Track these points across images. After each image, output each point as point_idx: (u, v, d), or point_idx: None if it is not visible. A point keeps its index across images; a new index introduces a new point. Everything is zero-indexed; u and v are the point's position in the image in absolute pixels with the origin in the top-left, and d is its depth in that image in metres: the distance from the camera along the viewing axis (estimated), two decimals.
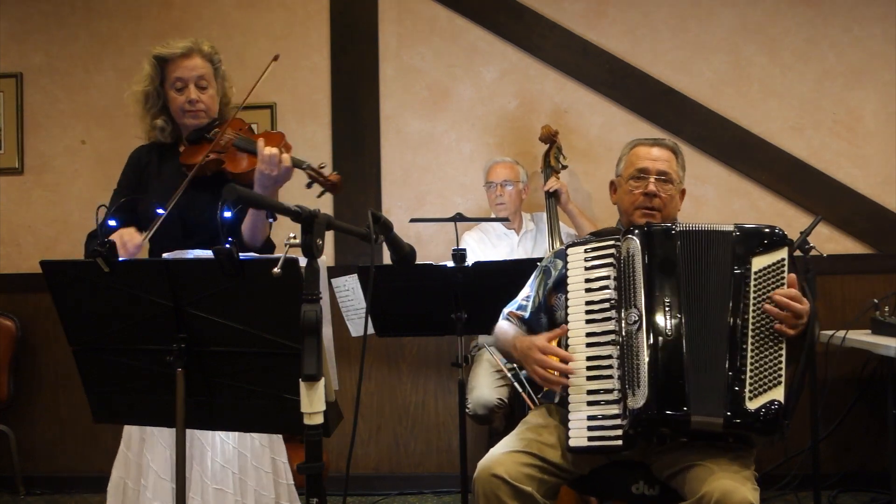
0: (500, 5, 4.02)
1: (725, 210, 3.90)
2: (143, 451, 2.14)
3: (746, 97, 3.94)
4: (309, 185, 2.29)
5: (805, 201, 3.89)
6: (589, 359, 1.98)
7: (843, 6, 3.90)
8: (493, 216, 3.65)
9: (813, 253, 3.09)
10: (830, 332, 3.33)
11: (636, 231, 1.99)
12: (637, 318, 1.92)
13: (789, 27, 3.93)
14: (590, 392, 1.96)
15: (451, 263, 2.70)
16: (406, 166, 4.06)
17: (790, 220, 3.86)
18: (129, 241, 2.19)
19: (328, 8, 4.09)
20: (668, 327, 1.90)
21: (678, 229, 1.98)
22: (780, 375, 1.83)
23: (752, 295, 1.89)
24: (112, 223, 2.16)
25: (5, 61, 4.19)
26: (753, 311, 1.88)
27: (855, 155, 3.89)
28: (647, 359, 1.88)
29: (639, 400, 1.87)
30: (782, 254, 1.92)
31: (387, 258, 2.06)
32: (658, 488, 2.02)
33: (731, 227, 1.96)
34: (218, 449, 2.17)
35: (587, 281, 2.04)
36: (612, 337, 1.96)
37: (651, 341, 1.89)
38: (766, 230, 1.95)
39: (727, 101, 3.94)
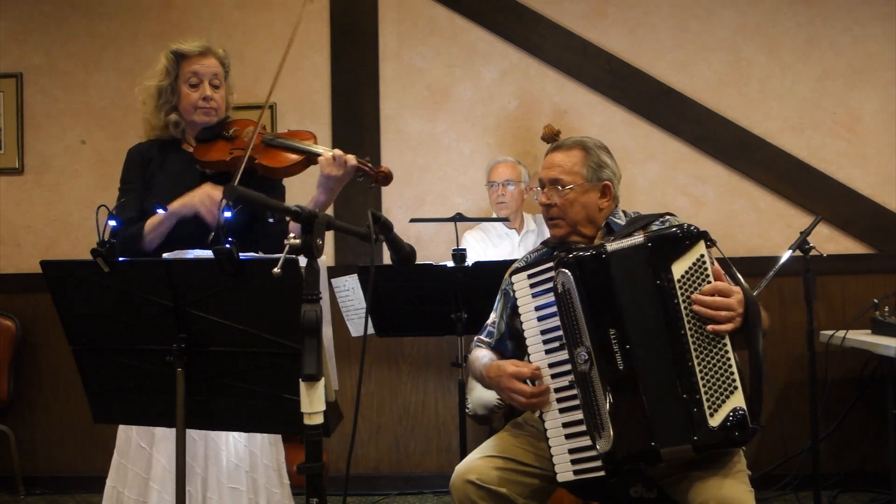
0: (500, 5, 4.02)
1: (725, 210, 3.90)
2: (152, 463, 2.14)
3: (746, 97, 3.94)
4: (360, 178, 2.31)
5: (805, 201, 3.89)
6: (556, 390, 1.93)
7: (843, 6, 3.90)
8: (493, 216, 3.66)
9: (813, 253, 3.10)
10: (830, 332, 3.34)
11: (566, 262, 1.88)
12: (587, 357, 1.85)
13: (789, 27, 3.93)
14: (564, 425, 1.92)
15: (451, 263, 2.70)
16: (406, 166, 4.06)
17: (790, 220, 3.86)
18: (215, 192, 2.23)
19: (328, 8, 4.09)
20: (619, 361, 1.82)
21: (609, 250, 1.86)
22: (734, 380, 1.76)
23: (682, 305, 1.80)
24: (113, 223, 2.16)
25: (5, 61, 4.19)
26: (688, 320, 1.79)
27: (855, 155, 3.89)
28: (604, 398, 1.83)
29: (606, 443, 1.83)
30: (699, 250, 1.81)
31: (387, 258, 2.07)
32: (656, 491, 2.01)
33: (641, 239, 1.85)
34: (232, 448, 2.17)
35: (536, 309, 1.98)
36: (569, 367, 1.90)
37: (605, 379, 1.83)
38: (675, 231, 1.84)
39: (727, 101, 3.94)
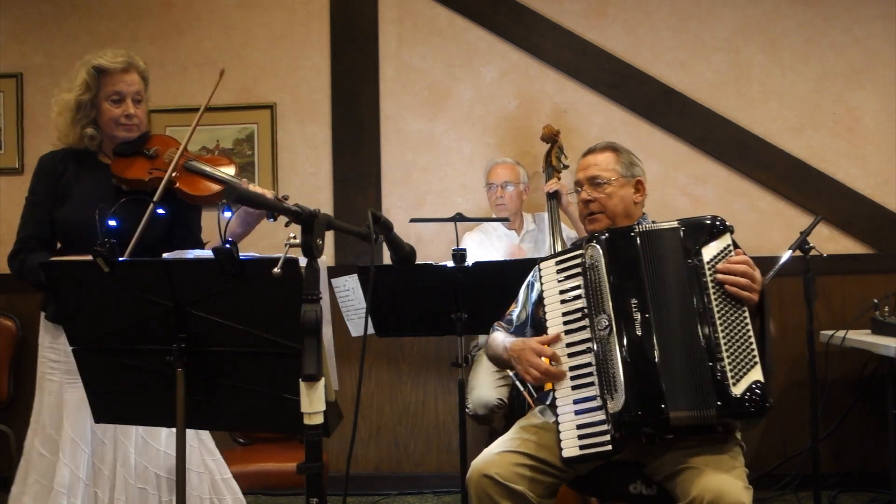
0: (500, 5, 4.02)
1: (725, 210, 3.89)
2: (62, 458, 2.15)
3: (746, 97, 3.94)
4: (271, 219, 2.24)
5: (805, 201, 3.89)
6: (571, 369, 2.02)
7: (843, 6, 3.90)
8: (493, 216, 3.65)
9: (813, 253, 3.09)
10: (830, 332, 3.34)
11: (597, 238, 2.05)
12: (607, 323, 1.96)
13: (789, 27, 3.93)
14: (576, 401, 1.99)
15: (451, 263, 2.70)
16: (406, 166, 4.06)
17: (790, 220, 3.86)
18: None
19: (328, 8, 4.09)
20: (637, 327, 1.95)
21: (637, 230, 2.04)
22: (755, 356, 1.88)
23: (709, 283, 1.94)
24: (112, 223, 2.15)
25: (5, 61, 4.19)
26: (714, 297, 1.93)
27: (855, 155, 3.89)
28: (620, 361, 1.92)
29: (617, 403, 1.90)
30: (727, 240, 1.99)
31: (387, 258, 2.06)
32: (655, 488, 2.04)
33: (675, 224, 2.03)
34: (141, 449, 2.19)
35: (561, 293, 2.10)
36: (588, 345, 2.00)
37: (622, 343, 1.93)
38: (708, 221, 2.02)
39: (727, 101, 3.94)
